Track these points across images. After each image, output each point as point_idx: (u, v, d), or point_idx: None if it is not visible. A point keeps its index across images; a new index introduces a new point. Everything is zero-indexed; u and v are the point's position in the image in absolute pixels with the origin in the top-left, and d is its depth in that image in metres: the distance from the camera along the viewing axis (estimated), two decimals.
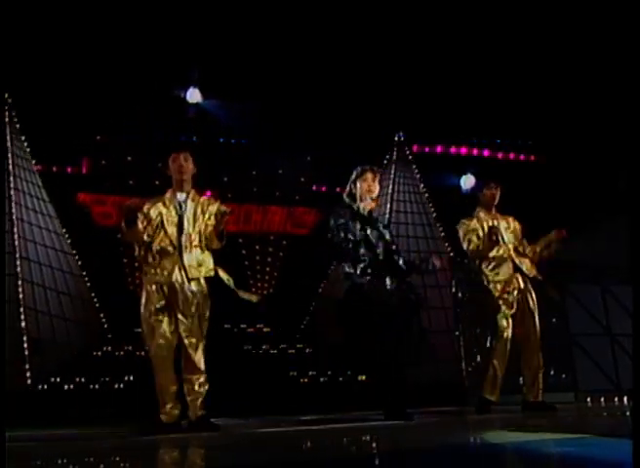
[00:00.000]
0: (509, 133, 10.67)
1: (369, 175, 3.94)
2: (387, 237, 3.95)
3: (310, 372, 8.07)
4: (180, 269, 3.62)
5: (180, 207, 3.69)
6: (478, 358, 6.68)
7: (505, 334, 4.62)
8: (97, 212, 9.77)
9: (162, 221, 3.63)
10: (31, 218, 7.85)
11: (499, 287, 4.67)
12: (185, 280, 3.62)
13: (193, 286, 3.63)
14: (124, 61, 8.37)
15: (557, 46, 8.39)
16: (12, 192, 7.57)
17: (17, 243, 7.37)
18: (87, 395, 6.94)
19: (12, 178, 7.65)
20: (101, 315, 8.67)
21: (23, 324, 7.10)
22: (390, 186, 9.55)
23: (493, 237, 4.51)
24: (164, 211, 3.65)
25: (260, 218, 10.97)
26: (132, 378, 7.07)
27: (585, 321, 6.69)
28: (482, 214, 4.75)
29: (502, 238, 4.69)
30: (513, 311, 4.70)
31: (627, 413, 3.89)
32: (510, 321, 4.66)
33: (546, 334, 6.63)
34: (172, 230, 3.63)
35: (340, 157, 10.04)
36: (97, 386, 7.14)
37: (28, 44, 7.62)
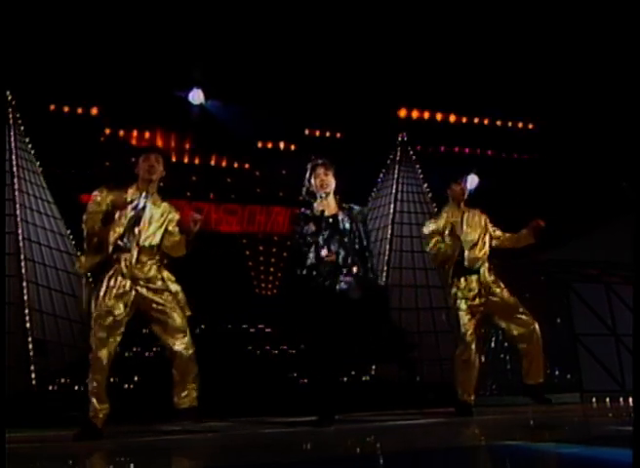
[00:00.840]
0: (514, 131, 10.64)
1: (320, 170, 3.88)
2: (342, 230, 3.83)
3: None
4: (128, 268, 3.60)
5: (139, 207, 3.66)
6: (482, 358, 6.65)
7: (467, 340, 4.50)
8: None
9: (118, 217, 3.61)
10: (35, 220, 7.86)
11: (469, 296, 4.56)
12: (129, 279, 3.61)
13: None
14: (127, 62, 8.38)
15: (559, 45, 8.36)
16: (16, 193, 7.58)
17: (21, 244, 7.39)
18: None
19: (15, 180, 7.66)
20: None
21: (28, 325, 7.11)
22: (394, 186, 9.53)
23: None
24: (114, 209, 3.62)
25: (263, 219, 10.97)
26: (138, 379, 7.07)
27: (590, 321, 6.67)
28: (449, 212, 4.68)
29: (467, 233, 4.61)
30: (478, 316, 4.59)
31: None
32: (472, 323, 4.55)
33: (551, 334, 6.61)
34: (123, 228, 3.61)
35: (344, 157, 10.04)
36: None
37: (31, 44, 7.63)
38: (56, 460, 2.51)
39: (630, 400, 5.86)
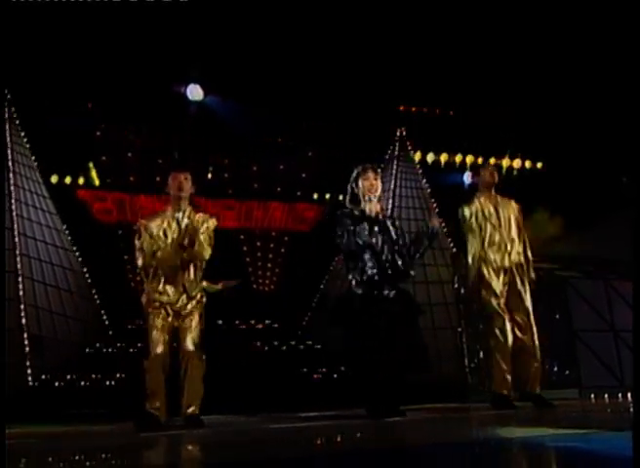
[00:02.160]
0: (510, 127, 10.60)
1: (370, 174, 3.85)
2: (393, 236, 3.84)
3: (307, 369, 8.04)
4: (181, 287, 3.72)
5: (179, 223, 3.86)
6: (481, 354, 6.64)
7: (501, 331, 4.49)
8: (97, 208, 9.75)
9: (165, 236, 3.75)
10: (31, 215, 7.81)
11: (494, 278, 4.53)
12: (185, 298, 3.72)
13: (193, 303, 3.75)
14: (125, 57, 8.32)
15: (559, 41, 8.32)
16: (12, 188, 7.54)
17: (17, 239, 7.34)
18: (88, 392, 6.92)
19: (11, 175, 7.61)
20: (102, 311, 8.64)
21: (24, 321, 7.07)
22: (392, 182, 9.50)
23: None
24: (165, 226, 3.78)
25: (261, 215, 10.93)
26: (134, 375, 7.03)
27: (589, 316, 6.65)
28: (482, 199, 4.67)
29: (499, 223, 4.59)
30: (503, 300, 4.57)
31: (630, 410, 3.85)
32: (505, 315, 4.53)
33: (549, 330, 6.59)
34: (173, 246, 3.74)
35: (342, 153, 10.01)
36: (98, 383, 7.12)
37: (28, 39, 7.57)
38: (51, 456, 2.48)
39: (629, 395, 5.86)
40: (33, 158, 8.26)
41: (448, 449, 2.05)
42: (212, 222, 3.91)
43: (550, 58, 8.55)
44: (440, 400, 5.72)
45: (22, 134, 8.10)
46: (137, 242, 3.83)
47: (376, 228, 3.76)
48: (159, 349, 3.63)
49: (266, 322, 9.75)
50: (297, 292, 9.98)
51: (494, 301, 4.47)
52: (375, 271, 3.70)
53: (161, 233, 3.80)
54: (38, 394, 6.71)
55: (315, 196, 11.01)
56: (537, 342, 4.51)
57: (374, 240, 3.73)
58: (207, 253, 3.81)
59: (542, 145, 10.24)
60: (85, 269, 8.60)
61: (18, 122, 8.05)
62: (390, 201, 9.38)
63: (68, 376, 7.12)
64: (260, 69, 8.89)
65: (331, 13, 8.24)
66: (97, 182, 9.49)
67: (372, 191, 3.82)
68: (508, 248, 4.59)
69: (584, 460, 1.75)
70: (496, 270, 4.53)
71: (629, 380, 6.43)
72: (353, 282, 3.78)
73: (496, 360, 4.48)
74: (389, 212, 9.40)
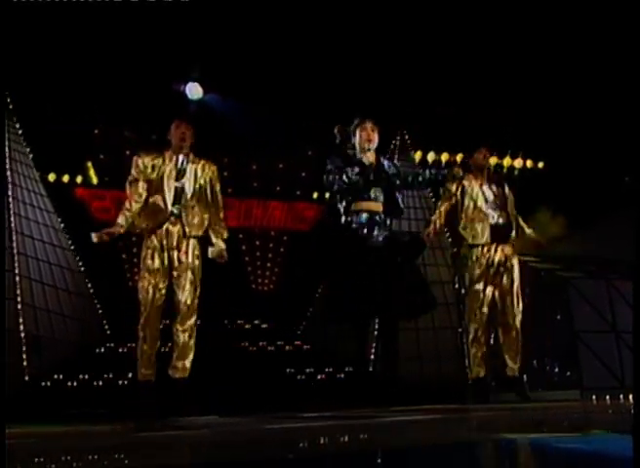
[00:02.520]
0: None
1: (368, 125, 3.90)
2: (389, 178, 3.83)
3: (308, 370, 8.00)
4: (179, 227, 3.70)
5: (181, 164, 3.78)
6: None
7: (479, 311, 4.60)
8: (95, 206, 9.70)
9: (162, 177, 3.74)
10: (28, 213, 7.76)
11: (476, 253, 4.64)
12: (183, 239, 3.72)
13: (192, 245, 3.74)
14: (124, 55, 8.27)
15: (559, 42, 8.29)
16: (9, 186, 7.48)
17: (14, 238, 7.29)
18: (86, 392, 6.88)
19: (9, 173, 7.56)
20: (100, 311, 8.60)
21: (21, 320, 7.02)
22: None
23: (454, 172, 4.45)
24: (164, 167, 3.75)
25: (260, 214, 10.88)
26: (130, 376, 7.00)
27: (590, 317, 6.61)
28: (470, 178, 4.76)
29: (484, 200, 4.66)
30: (491, 289, 4.67)
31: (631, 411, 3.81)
32: (486, 294, 4.65)
33: (551, 331, 6.55)
34: (171, 186, 3.73)
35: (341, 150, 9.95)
36: (96, 383, 7.08)
37: (26, 35, 7.52)
38: (49, 456, 2.44)
39: (631, 397, 5.81)
40: (31, 156, 8.20)
41: (444, 451, 2.02)
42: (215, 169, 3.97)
43: (552, 57, 8.51)
44: (440, 401, 5.67)
45: (20, 131, 8.04)
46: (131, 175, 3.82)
47: (370, 174, 3.79)
48: None
49: (265, 322, 9.71)
50: (296, 293, 9.93)
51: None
52: (356, 209, 3.71)
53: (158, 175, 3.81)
54: (36, 394, 6.67)
55: (315, 195, 10.97)
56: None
57: (361, 181, 3.75)
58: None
59: (544, 145, 10.20)
60: (83, 268, 8.56)
61: (15, 119, 8.00)
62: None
63: (66, 376, 7.08)
64: (260, 68, 8.85)
65: (330, 11, 8.20)
66: (95, 181, 9.43)
67: (369, 142, 3.87)
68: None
69: (584, 462, 1.72)
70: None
71: (630, 381, 6.40)
72: (342, 219, 3.77)
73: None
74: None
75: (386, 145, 9.70)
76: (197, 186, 3.81)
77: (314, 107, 9.62)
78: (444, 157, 10.43)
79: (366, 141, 3.88)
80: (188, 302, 3.79)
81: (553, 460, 1.82)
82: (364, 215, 3.69)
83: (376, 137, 3.92)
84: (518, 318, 4.69)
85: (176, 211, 3.75)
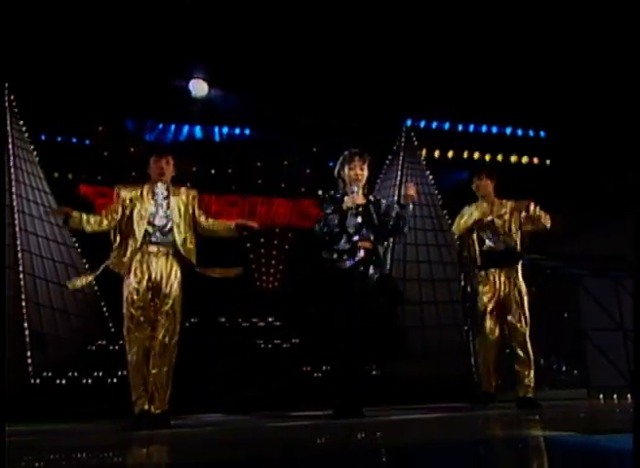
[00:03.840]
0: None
1: (357, 163, 3.87)
2: (375, 221, 3.89)
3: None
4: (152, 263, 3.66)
5: (158, 199, 3.78)
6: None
7: (484, 329, 4.65)
8: (99, 204, 9.67)
9: (135, 213, 3.73)
10: (32, 210, 7.73)
11: (482, 278, 4.71)
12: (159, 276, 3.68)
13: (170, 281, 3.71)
14: (128, 50, 8.22)
15: (559, 45, 8.21)
16: (12, 184, 7.46)
17: (18, 235, 7.27)
18: (90, 389, 6.86)
19: (12, 170, 7.53)
20: (104, 308, 8.58)
21: (25, 317, 7.00)
22: (398, 178, 9.38)
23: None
24: (139, 202, 3.74)
25: (264, 211, 10.84)
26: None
27: (598, 315, 6.56)
28: (483, 205, 4.82)
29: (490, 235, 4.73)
30: (492, 305, 4.70)
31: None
32: (488, 315, 4.69)
33: (558, 329, 6.50)
34: (143, 222, 3.71)
35: (347, 146, 9.90)
36: (100, 381, 7.06)
37: (28, 30, 7.48)
38: (51, 453, 2.42)
39: None
40: (35, 153, 8.18)
41: (445, 449, 1.99)
42: (193, 193, 3.98)
43: (555, 56, 8.43)
44: (445, 399, 5.64)
45: (24, 128, 8.01)
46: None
47: (354, 216, 3.83)
48: None
49: (269, 319, 9.68)
50: (300, 290, 9.89)
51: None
52: (347, 248, 3.79)
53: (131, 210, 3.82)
54: (40, 391, 6.66)
55: (319, 192, 10.91)
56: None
57: (353, 224, 3.81)
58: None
59: (551, 141, 10.12)
60: (87, 266, 8.53)
61: (18, 116, 7.95)
62: (395, 197, 9.25)
63: (70, 374, 7.06)
64: (264, 64, 8.79)
65: (335, 7, 8.14)
66: None
67: (357, 180, 3.86)
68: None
69: (587, 461, 1.69)
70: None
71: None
72: (329, 255, 3.86)
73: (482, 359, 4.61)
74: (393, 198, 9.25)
75: (392, 144, 9.67)
76: (180, 216, 3.82)
77: (318, 104, 9.57)
78: (450, 154, 10.36)
79: (354, 180, 3.88)
80: None
81: (554, 459, 1.79)
82: (361, 252, 3.74)
83: (365, 174, 3.93)
84: (528, 343, 4.59)
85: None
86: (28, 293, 7.14)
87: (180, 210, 3.88)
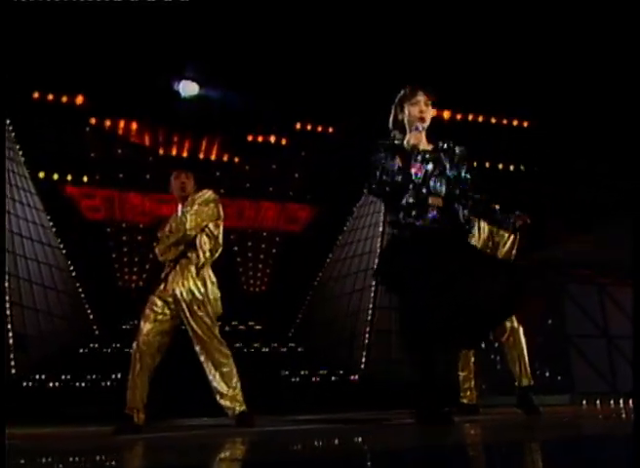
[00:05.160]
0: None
1: (421, 98, 3.00)
2: (448, 173, 2.98)
3: (302, 372, 7.95)
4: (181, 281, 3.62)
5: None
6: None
7: None
8: (85, 205, 9.59)
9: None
10: (18, 211, 7.65)
11: None
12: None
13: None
14: (116, 52, 8.18)
15: (557, 45, 8.30)
16: None
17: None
18: (72, 392, 6.78)
19: None
20: (89, 311, 8.50)
21: (9, 319, 6.91)
22: None
23: None
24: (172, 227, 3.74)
25: (252, 214, 10.82)
26: (119, 376, 6.91)
27: (582, 322, 6.63)
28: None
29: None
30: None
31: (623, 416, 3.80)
32: None
33: (542, 335, 6.55)
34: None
35: (335, 154, 9.93)
36: (82, 384, 6.98)
37: (16, 29, 7.41)
38: (34, 458, 2.38)
39: (621, 401, 5.81)
40: (20, 152, 8.10)
41: (429, 453, 1.99)
42: (203, 196, 3.78)
43: (548, 63, 8.52)
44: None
45: (10, 127, 7.93)
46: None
47: (419, 158, 2.95)
48: None
49: (255, 324, 9.65)
50: (287, 294, 9.87)
51: None
52: (412, 202, 2.89)
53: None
54: (22, 393, 6.57)
55: (307, 196, 10.93)
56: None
57: (421, 174, 2.92)
58: (186, 225, 3.65)
59: (538, 150, 10.22)
60: (72, 267, 8.45)
61: (4, 115, 7.87)
62: (382, 213, 9.25)
63: (52, 375, 6.98)
64: (255, 67, 8.79)
65: (328, 13, 8.16)
66: None
67: (422, 120, 2.98)
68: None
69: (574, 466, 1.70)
70: None
71: (621, 386, 6.41)
72: (394, 217, 2.96)
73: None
74: (381, 221, 9.23)
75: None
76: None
77: (309, 109, 9.59)
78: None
79: (418, 119, 2.97)
80: None
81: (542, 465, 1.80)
82: (431, 214, 2.88)
83: (430, 113, 3.02)
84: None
85: None
86: (12, 295, 7.06)
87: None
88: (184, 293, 3.64)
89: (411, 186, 2.91)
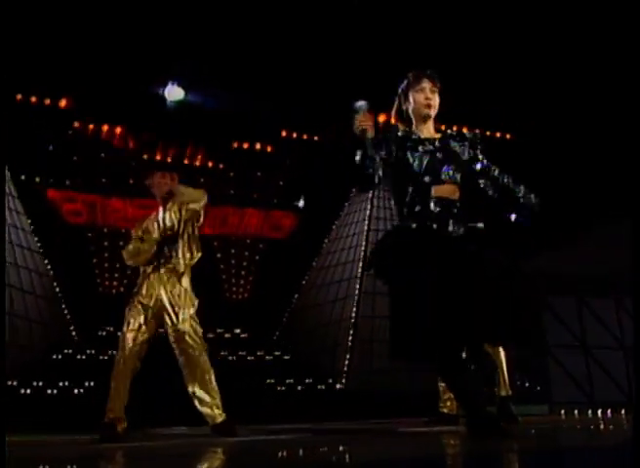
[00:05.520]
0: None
1: (425, 84, 2.78)
2: (466, 158, 2.72)
3: (288, 380, 7.92)
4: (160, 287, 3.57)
5: (159, 223, 3.73)
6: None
7: None
8: (66, 209, 9.48)
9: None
10: None
11: None
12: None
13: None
14: (100, 56, 8.13)
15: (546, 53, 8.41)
16: None
17: None
18: (44, 400, 6.65)
19: None
20: (68, 317, 8.38)
21: None
22: (369, 199, 9.43)
23: None
24: (150, 228, 3.67)
25: (236, 221, 10.79)
26: (91, 384, 6.82)
27: (561, 333, 6.71)
28: None
29: None
30: None
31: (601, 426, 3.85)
32: None
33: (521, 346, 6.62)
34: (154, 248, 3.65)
35: (320, 163, 9.96)
36: (54, 391, 6.86)
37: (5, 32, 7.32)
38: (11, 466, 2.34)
39: (599, 412, 5.89)
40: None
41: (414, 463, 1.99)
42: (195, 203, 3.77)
43: (539, 71, 8.62)
44: (416, 414, 5.65)
45: None
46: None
47: (427, 152, 2.69)
48: None
49: (238, 331, 9.60)
50: (270, 302, 9.85)
51: None
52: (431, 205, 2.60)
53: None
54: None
55: (292, 204, 10.94)
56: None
57: (425, 161, 2.67)
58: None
59: (520, 162, 10.34)
60: (52, 272, 8.34)
61: None
62: (366, 224, 9.30)
63: (25, 382, 6.85)
64: (241, 74, 8.80)
65: (313, 20, 8.21)
66: None
67: (428, 107, 2.77)
68: None
69: None
70: None
71: (599, 397, 6.50)
72: (403, 214, 2.68)
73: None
74: (365, 230, 9.26)
75: None
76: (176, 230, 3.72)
77: (294, 117, 9.62)
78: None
79: (424, 106, 2.75)
80: None
81: None
82: (431, 205, 2.62)
83: (437, 100, 2.79)
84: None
85: None
86: None
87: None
88: (168, 299, 3.61)
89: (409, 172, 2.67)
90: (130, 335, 3.52)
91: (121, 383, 3.45)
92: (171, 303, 3.61)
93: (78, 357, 7.79)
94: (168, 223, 3.68)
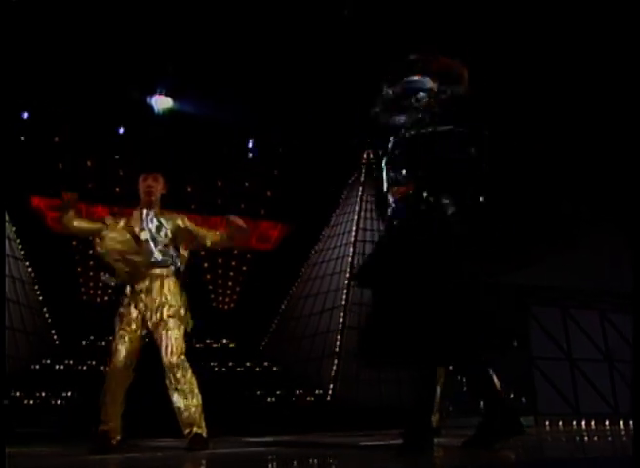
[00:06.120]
0: None
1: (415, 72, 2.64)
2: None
3: (278, 392, 7.86)
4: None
5: (146, 226, 3.70)
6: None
7: None
8: (51, 217, 9.38)
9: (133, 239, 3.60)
10: None
11: None
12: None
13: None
14: (87, 61, 8.10)
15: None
16: None
17: None
18: (21, 410, 6.53)
19: None
20: (51, 326, 8.27)
21: None
22: (356, 211, 9.44)
23: None
24: (131, 230, 3.61)
25: (223, 231, 10.74)
26: (69, 394, 6.71)
27: (546, 344, 6.75)
28: None
29: None
30: None
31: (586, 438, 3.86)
32: None
33: (507, 357, 6.65)
34: (136, 249, 3.57)
35: (308, 173, 9.99)
36: (31, 401, 6.74)
37: None
38: None
39: (583, 423, 5.91)
40: None
41: None
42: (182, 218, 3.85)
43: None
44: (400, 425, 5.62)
45: None
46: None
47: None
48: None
49: (224, 341, 9.53)
50: (257, 312, 9.80)
51: None
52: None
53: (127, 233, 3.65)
54: None
55: (279, 215, 10.93)
56: None
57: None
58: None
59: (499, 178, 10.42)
60: (35, 280, 8.23)
61: None
62: (353, 233, 9.30)
63: (14, 393, 6.73)
64: (228, 83, 8.81)
65: (299, 27, 8.24)
66: None
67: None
68: None
69: None
70: None
71: (584, 408, 6.53)
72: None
73: None
74: (353, 234, 9.27)
75: (352, 170, 9.69)
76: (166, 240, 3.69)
77: (282, 128, 9.63)
78: None
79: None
80: None
81: None
82: (395, 207, 2.47)
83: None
84: None
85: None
86: None
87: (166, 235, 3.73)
88: (163, 305, 3.56)
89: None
90: (121, 349, 3.46)
91: (116, 394, 3.40)
92: (165, 310, 3.57)
93: (57, 367, 7.67)
94: (162, 237, 3.68)
